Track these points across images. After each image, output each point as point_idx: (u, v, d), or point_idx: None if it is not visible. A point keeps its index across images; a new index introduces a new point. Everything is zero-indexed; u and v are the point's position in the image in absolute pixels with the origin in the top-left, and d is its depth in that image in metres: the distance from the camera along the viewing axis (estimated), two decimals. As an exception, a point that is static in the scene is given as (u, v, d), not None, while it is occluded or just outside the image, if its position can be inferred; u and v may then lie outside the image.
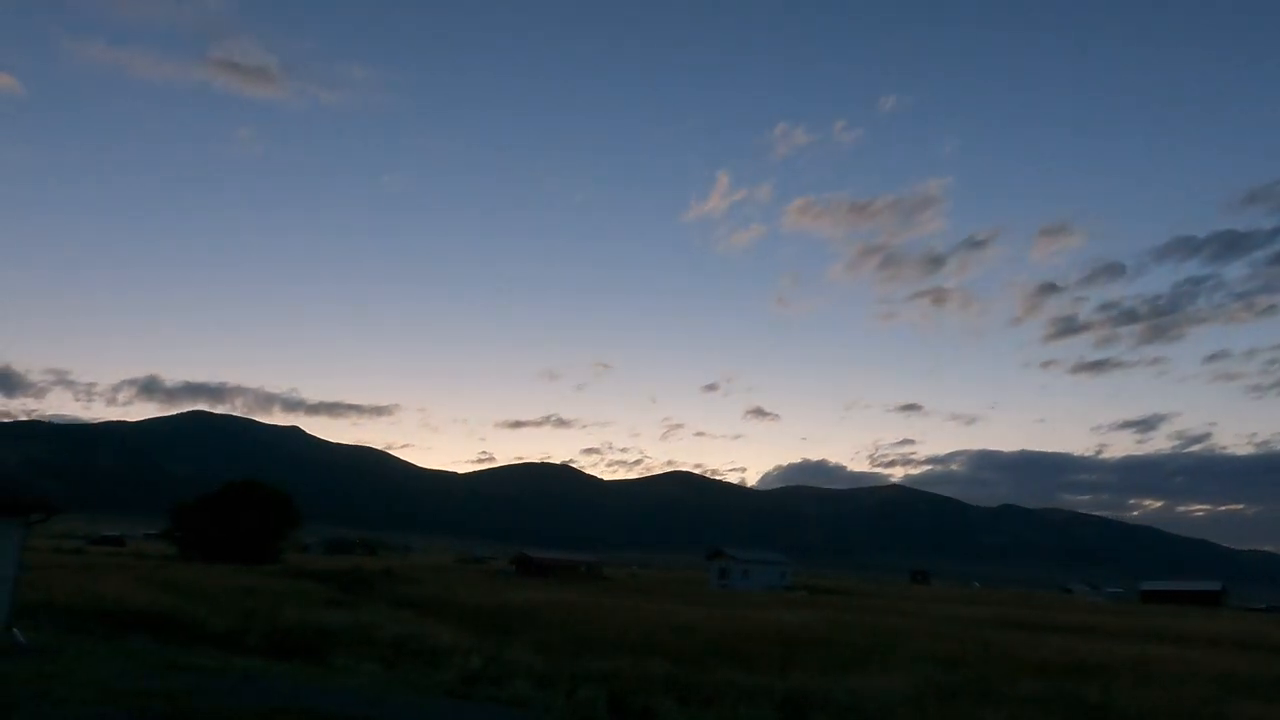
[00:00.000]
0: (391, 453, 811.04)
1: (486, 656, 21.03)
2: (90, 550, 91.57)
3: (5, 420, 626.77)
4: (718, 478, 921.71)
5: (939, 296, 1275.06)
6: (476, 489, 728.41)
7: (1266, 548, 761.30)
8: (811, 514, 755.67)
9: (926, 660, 24.41)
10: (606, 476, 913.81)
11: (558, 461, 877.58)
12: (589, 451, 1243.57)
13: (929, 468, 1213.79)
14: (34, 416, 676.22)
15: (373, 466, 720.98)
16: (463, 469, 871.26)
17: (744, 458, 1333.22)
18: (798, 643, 27.72)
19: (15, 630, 17.80)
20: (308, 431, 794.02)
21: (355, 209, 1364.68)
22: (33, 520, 18.59)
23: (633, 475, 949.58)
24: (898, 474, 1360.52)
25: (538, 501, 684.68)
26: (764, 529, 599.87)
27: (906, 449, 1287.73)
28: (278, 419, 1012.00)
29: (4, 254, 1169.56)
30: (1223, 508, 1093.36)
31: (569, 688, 17.08)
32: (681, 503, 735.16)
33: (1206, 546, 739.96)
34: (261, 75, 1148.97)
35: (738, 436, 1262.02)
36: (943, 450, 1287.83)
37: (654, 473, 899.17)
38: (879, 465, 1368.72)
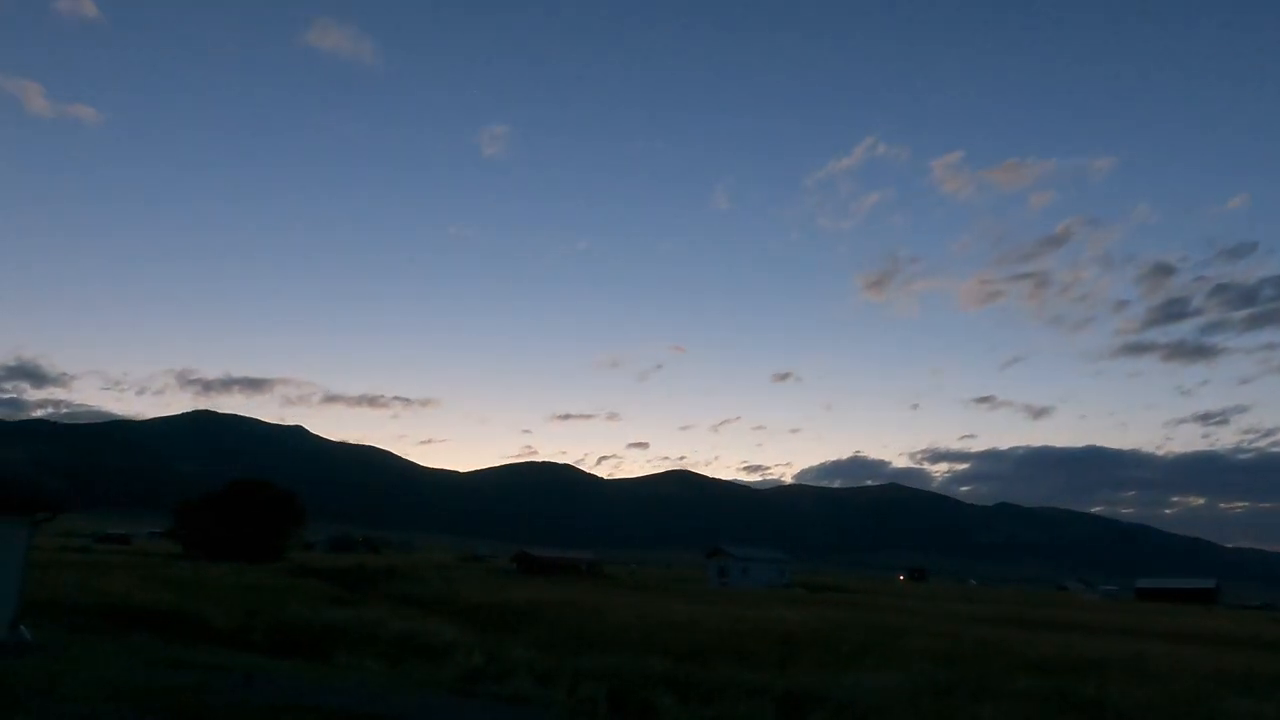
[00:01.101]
0: (415, 448, 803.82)
1: (488, 654, 21.19)
2: (96, 548, 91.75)
3: (12, 419, 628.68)
4: (742, 477, 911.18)
5: (1043, 279, 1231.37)
6: (479, 487, 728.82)
7: (1263, 546, 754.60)
8: (811, 512, 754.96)
9: (924, 657, 24.50)
10: (641, 474, 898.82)
11: (595, 457, 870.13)
12: (635, 445, 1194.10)
13: (975, 464, 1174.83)
14: (57, 411, 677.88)
15: (376, 465, 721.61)
16: (489, 464, 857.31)
17: (795, 453, 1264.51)
18: (796, 640, 27.85)
19: (22, 627, 17.99)
20: (315, 431, 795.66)
21: (392, 201, 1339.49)
22: (39, 519, 18.73)
23: (634, 475, 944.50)
24: (941, 470, 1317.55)
25: (539, 500, 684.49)
26: (764, 527, 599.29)
27: (965, 444, 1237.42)
28: (309, 411, 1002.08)
29: (35, 244, 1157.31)
30: (1264, 505, 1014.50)
31: (570, 684, 17.23)
32: (682, 501, 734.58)
33: (1205, 545, 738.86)
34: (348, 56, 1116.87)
35: (795, 430, 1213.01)
36: (1003, 445, 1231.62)
37: (654, 472, 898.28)
38: (925, 461, 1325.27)
